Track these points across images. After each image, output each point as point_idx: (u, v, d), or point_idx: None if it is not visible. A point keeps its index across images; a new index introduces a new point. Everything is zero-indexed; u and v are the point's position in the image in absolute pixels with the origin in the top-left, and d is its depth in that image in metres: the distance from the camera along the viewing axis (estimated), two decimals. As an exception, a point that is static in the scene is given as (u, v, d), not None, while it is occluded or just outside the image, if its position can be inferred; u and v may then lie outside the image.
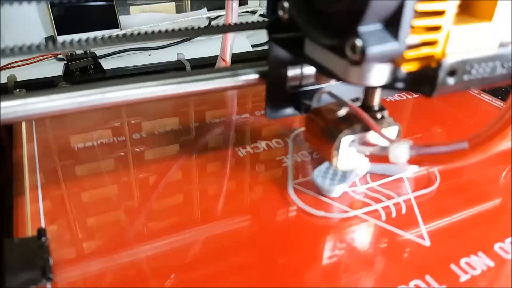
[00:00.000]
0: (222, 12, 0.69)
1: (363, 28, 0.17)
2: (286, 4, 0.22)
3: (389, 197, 0.26)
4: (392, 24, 0.17)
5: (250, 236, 0.24)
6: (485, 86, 0.20)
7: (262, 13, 0.78)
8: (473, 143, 0.20)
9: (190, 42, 0.64)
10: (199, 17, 0.70)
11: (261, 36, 0.67)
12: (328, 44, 0.20)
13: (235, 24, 0.27)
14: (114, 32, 0.63)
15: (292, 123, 0.35)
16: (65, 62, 0.46)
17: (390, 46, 0.17)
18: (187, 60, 0.54)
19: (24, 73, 0.47)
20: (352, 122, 0.24)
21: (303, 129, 0.32)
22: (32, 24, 0.62)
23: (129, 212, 0.25)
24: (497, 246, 0.23)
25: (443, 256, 0.22)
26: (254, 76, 0.26)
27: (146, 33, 0.24)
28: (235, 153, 0.31)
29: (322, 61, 0.21)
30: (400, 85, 0.19)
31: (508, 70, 0.20)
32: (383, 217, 0.25)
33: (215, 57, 0.54)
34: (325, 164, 0.27)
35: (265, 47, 0.65)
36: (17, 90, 0.39)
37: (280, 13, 0.22)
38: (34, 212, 0.24)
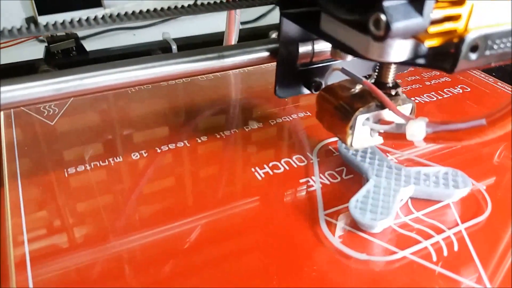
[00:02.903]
0: (209, -12, 0.67)
1: (387, 3, 0.17)
2: (301, -22, 0.21)
3: (438, 230, 0.23)
4: (417, -2, 0.17)
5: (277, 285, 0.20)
6: (504, 62, 0.20)
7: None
8: (492, 119, 0.20)
9: (176, 20, 0.62)
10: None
11: (250, 13, 0.65)
12: (348, 19, 0.19)
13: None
14: (97, 11, 0.60)
15: (316, 135, 0.30)
16: (46, 44, 0.44)
17: (414, 21, 0.17)
18: (173, 39, 0.52)
19: (4, 56, 0.46)
20: (367, 99, 0.24)
21: (327, 141, 0.29)
22: (11, 3, 0.60)
23: (121, 203, 0.24)
24: None
25: None
26: (264, 54, 0.26)
27: (133, 12, 0.22)
28: (251, 175, 0.26)
29: (340, 37, 0.21)
30: (421, 61, 0.19)
31: (528, 45, 0.20)
32: (434, 257, 0.21)
33: (203, 36, 0.53)
34: (362, 192, 0.24)
35: (255, 25, 0.63)
36: None
37: (295, -13, 0.22)
38: (14, 201, 0.23)
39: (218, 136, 0.30)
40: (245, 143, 0.30)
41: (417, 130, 0.21)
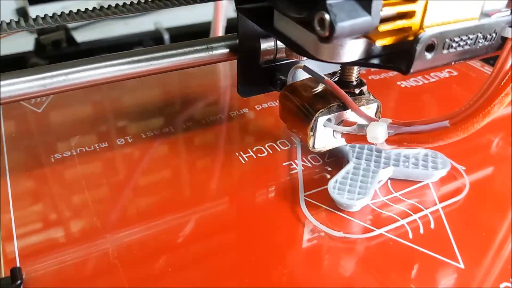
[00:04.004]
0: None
1: (331, 1, 0.15)
2: (252, -28, 0.20)
3: (415, 210, 0.23)
4: (363, -5, 0.16)
5: (258, 263, 0.20)
6: (466, 60, 0.19)
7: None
8: (455, 121, 0.19)
9: (169, 8, 0.60)
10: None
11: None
12: (296, 17, 0.18)
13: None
14: (88, 1, 0.59)
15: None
16: (36, 36, 0.43)
17: (361, 20, 0.16)
18: (166, 29, 0.51)
19: (-8, 49, 0.45)
20: (329, 100, 0.22)
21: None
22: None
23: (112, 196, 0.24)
24: None
25: (480, 281, 0.20)
26: (223, 51, 0.25)
27: (124, 4, 0.22)
28: (236, 159, 0.26)
29: (291, 36, 0.19)
30: (375, 61, 0.18)
31: (490, 42, 0.18)
32: (410, 235, 0.22)
33: (197, 25, 0.51)
34: (341, 173, 0.24)
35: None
36: None
37: (247, -18, 0.21)
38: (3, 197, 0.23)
39: (204, 122, 0.30)
40: (230, 128, 0.30)
41: (378, 132, 0.20)
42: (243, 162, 0.26)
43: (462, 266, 0.21)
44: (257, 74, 0.26)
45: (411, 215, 0.23)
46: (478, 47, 0.18)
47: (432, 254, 0.21)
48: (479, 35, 0.18)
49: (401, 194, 0.24)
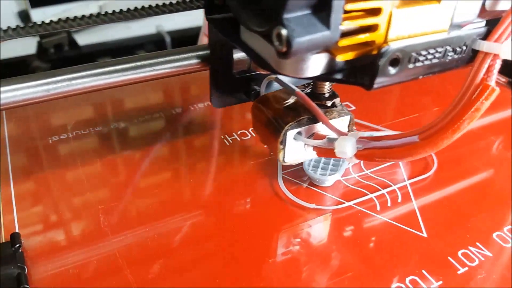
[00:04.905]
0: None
1: (288, 15, 0.15)
2: (216, -18, 0.19)
3: (384, 185, 0.25)
4: (321, 9, 0.15)
5: (237, 232, 0.22)
6: (435, 74, 0.18)
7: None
8: (424, 136, 0.18)
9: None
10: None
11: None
12: (257, 31, 0.17)
13: (170, 3, 0.24)
14: (90, 3, 0.58)
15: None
16: (38, 39, 0.43)
17: (320, 35, 0.15)
18: (168, 32, 0.52)
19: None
20: (299, 113, 0.22)
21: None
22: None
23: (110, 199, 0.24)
24: (495, 235, 0.22)
25: (440, 248, 0.21)
26: (194, 61, 0.24)
27: (128, 10, 0.23)
28: (221, 141, 0.28)
29: (256, 48, 0.19)
30: (338, 76, 0.17)
31: (460, 55, 0.18)
32: (378, 207, 0.24)
33: (198, 28, 0.51)
34: None
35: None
36: None
37: (212, -9, 0.20)
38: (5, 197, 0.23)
39: (192, 108, 0.31)
40: (217, 114, 0.31)
41: (346, 146, 0.20)
42: (228, 144, 0.28)
43: (424, 235, 0.22)
44: (231, 84, 0.25)
45: (380, 190, 0.25)
46: (447, 60, 0.18)
47: (397, 224, 0.23)
48: (448, 48, 0.17)
49: (372, 172, 0.26)
